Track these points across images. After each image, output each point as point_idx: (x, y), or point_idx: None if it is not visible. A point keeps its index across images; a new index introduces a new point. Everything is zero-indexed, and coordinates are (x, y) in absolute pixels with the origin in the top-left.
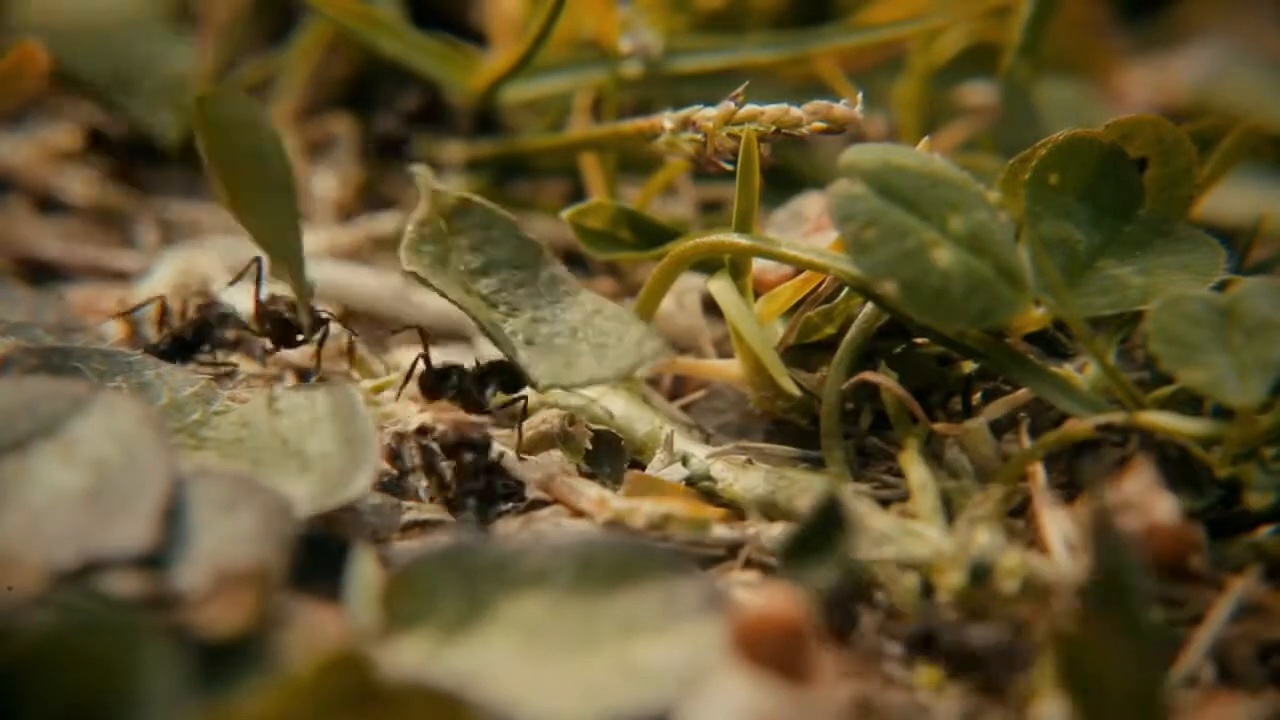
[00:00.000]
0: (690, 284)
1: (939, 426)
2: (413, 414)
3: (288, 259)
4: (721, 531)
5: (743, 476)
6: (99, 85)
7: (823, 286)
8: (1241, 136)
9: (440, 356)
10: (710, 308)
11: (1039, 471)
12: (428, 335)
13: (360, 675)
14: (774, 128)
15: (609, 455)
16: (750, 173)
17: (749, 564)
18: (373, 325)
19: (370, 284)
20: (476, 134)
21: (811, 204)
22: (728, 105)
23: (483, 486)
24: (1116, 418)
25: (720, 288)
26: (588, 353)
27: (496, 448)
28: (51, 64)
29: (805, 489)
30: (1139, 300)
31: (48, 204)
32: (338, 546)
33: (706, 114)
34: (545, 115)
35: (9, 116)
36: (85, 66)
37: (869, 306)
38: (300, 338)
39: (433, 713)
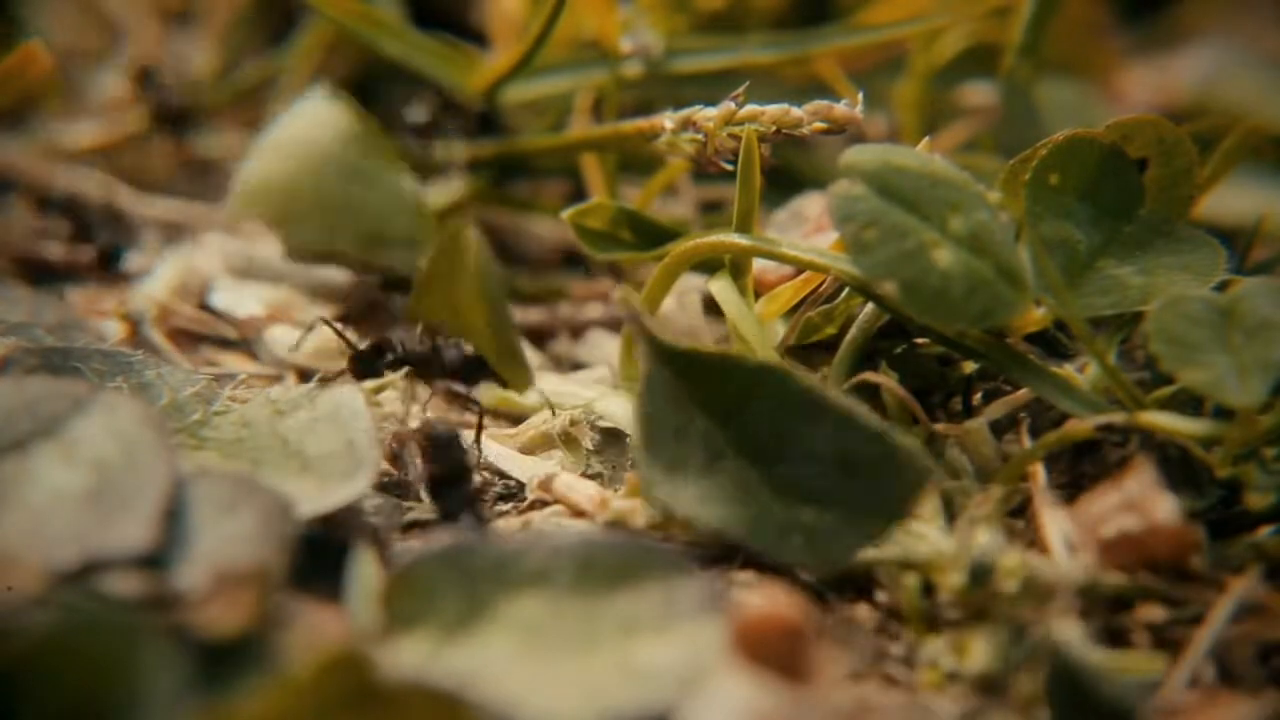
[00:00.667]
0: (691, 284)
1: (939, 427)
2: (413, 414)
3: (512, 356)
4: None
5: None
6: (340, 252)
7: (823, 287)
8: (1241, 137)
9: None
10: (711, 308)
11: (1039, 472)
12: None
13: (360, 675)
14: (774, 128)
15: (610, 455)
16: (751, 173)
17: (749, 564)
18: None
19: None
20: (477, 134)
21: (812, 204)
22: (728, 105)
23: (457, 481)
24: (1117, 418)
25: (721, 288)
26: None
27: (491, 446)
28: (286, 240)
29: None
30: (1139, 300)
31: (48, 204)
32: (338, 547)
33: (707, 114)
34: (546, 115)
35: (9, 116)
36: (323, 237)
37: (869, 307)
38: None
39: (433, 713)
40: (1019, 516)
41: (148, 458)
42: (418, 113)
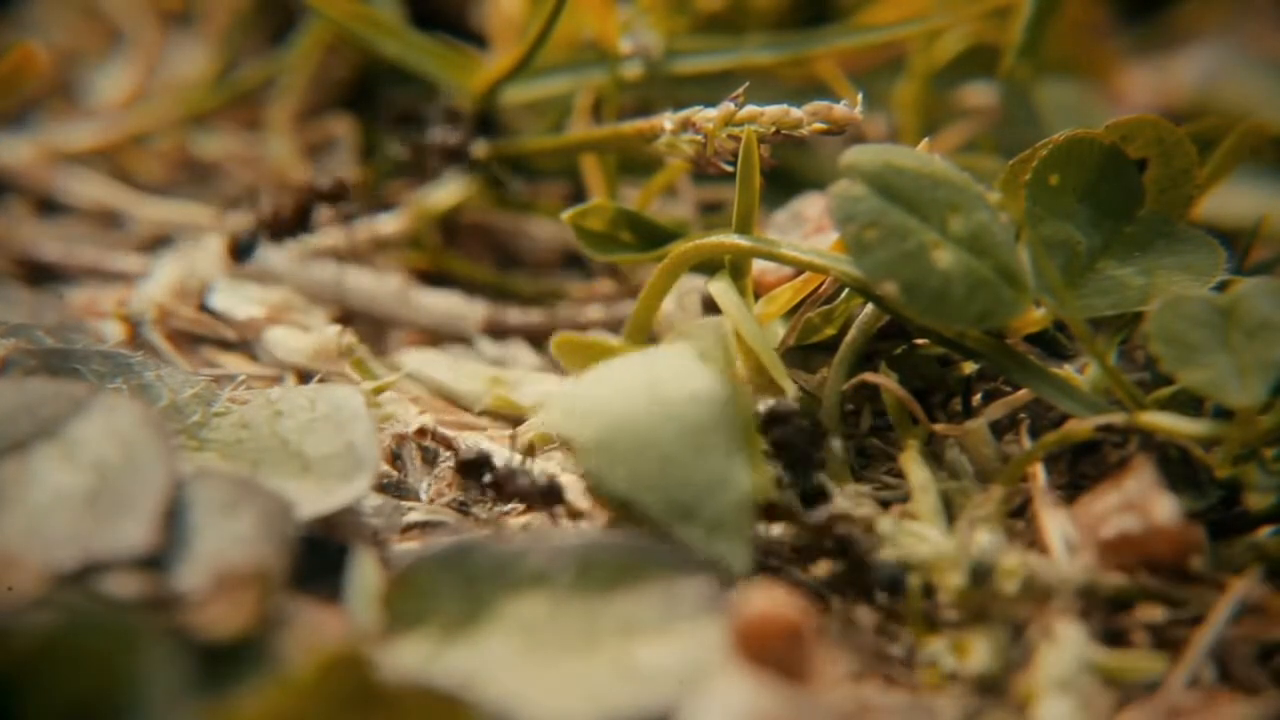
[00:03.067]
0: (691, 285)
1: (939, 427)
2: (413, 415)
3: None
4: None
5: None
6: (641, 511)
7: (823, 287)
8: (1241, 137)
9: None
10: (711, 309)
11: (1039, 472)
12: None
13: (361, 676)
14: (774, 129)
15: None
16: (750, 174)
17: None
18: (373, 326)
19: (370, 285)
20: (476, 135)
21: (812, 205)
22: (728, 106)
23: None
24: (1117, 418)
25: (721, 289)
26: None
27: (491, 446)
28: (590, 475)
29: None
30: (1139, 301)
31: (48, 205)
32: (338, 548)
33: (707, 115)
34: (545, 116)
35: (9, 116)
36: (631, 490)
37: (869, 307)
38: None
39: (433, 713)
40: (1019, 517)
41: (148, 459)
42: (440, 133)
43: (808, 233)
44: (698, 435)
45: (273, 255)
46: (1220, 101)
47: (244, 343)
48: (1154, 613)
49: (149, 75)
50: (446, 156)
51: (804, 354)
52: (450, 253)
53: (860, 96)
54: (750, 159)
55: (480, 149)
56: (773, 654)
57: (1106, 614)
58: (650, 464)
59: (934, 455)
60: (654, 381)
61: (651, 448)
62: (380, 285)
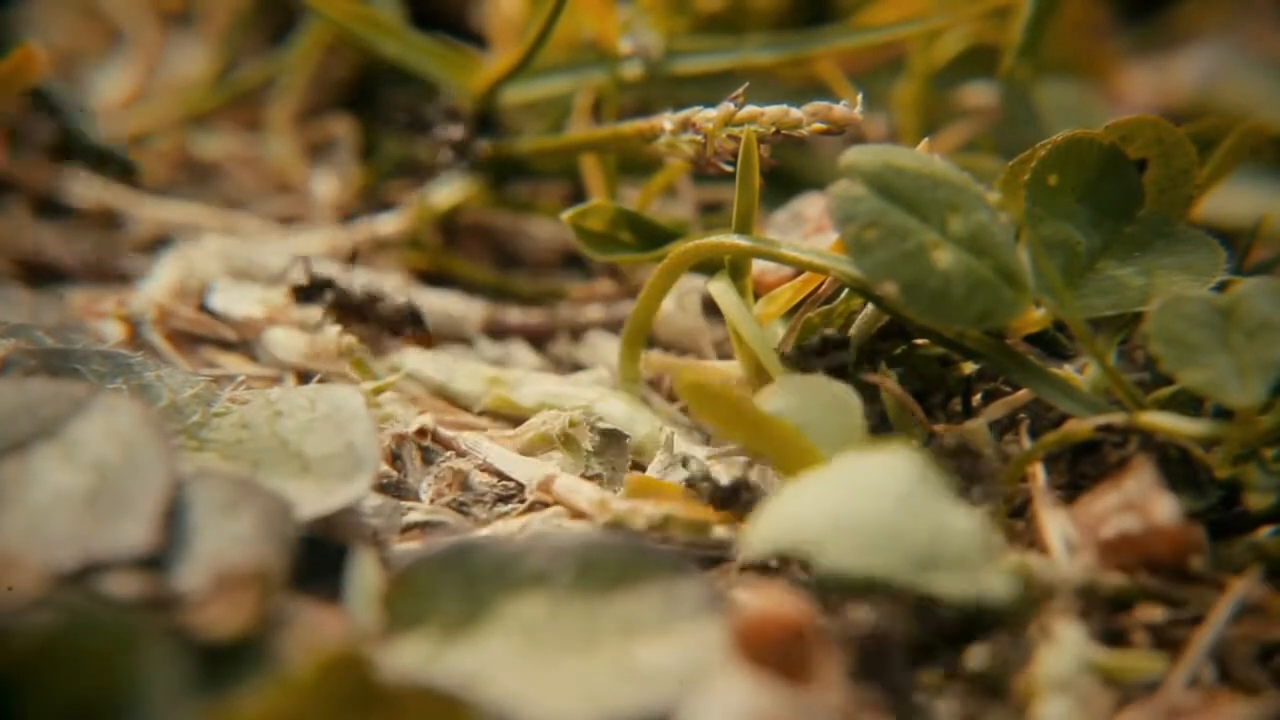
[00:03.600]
0: (691, 285)
1: (939, 427)
2: (413, 415)
3: None
4: (721, 532)
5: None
6: (882, 580)
7: (823, 288)
8: (1241, 137)
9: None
10: (710, 309)
11: (1039, 472)
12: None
13: (361, 676)
14: (774, 129)
15: (610, 456)
16: (750, 174)
17: (749, 564)
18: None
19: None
20: (476, 135)
21: (812, 205)
22: (728, 106)
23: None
24: (1117, 418)
25: (720, 289)
26: None
27: (491, 447)
28: (820, 565)
29: None
30: (1139, 301)
31: (48, 205)
32: (338, 548)
33: (706, 115)
34: (545, 117)
35: (9, 117)
36: (864, 563)
37: (869, 308)
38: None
39: (433, 713)
40: (1019, 517)
41: (147, 459)
42: (444, 130)
43: (808, 233)
44: (909, 501)
45: (273, 255)
46: (1220, 101)
47: (244, 343)
48: (1154, 613)
49: (149, 75)
50: (453, 150)
51: (804, 354)
52: (450, 253)
53: (860, 96)
54: (750, 159)
55: (482, 148)
56: (773, 654)
57: (1106, 614)
58: (879, 539)
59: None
60: (850, 475)
61: (874, 525)
62: (380, 285)
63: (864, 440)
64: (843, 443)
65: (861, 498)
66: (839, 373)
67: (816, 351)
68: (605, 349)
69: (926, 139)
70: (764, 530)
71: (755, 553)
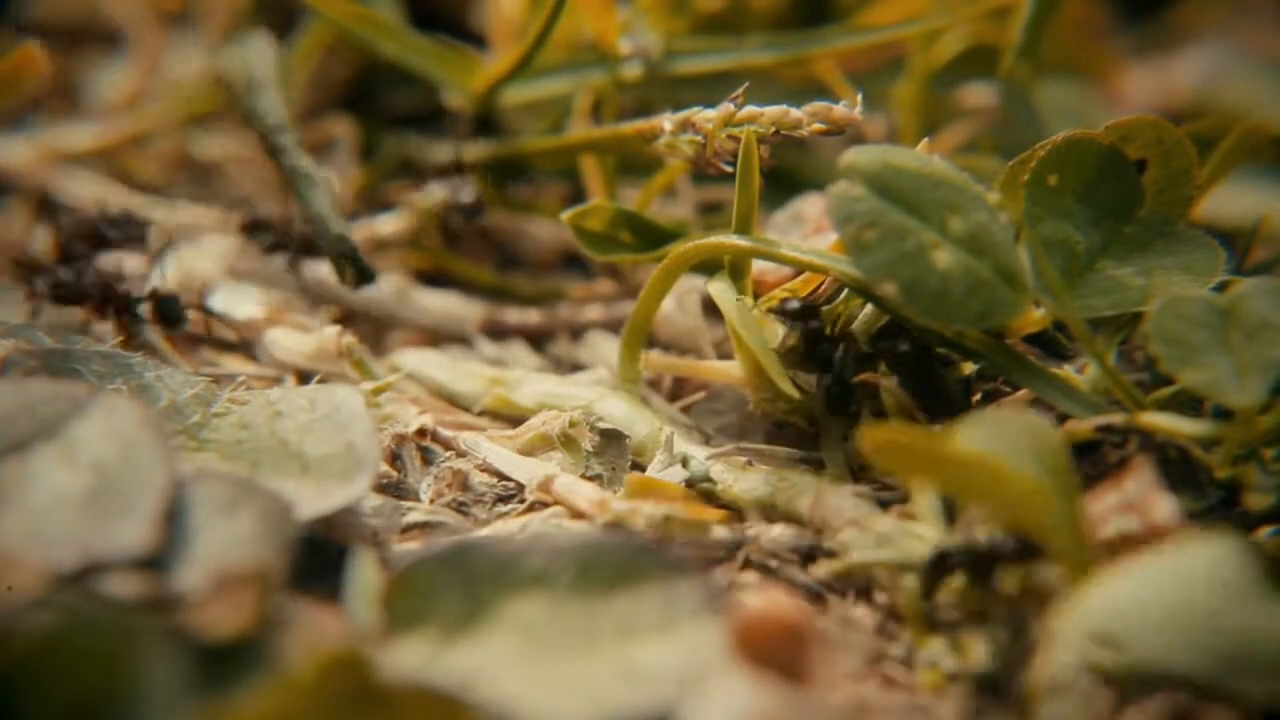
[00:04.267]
0: (691, 285)
1: (939, 428)
2: (413, 415)
3: None
4: (721, 533)
5: (742, 478)
6: (1184, 675)
7: (823, 288)
8: (1241, 137)
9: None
10: (710, 309)
11: None
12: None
13: (360, 676)
14: (774, 129)
15: (609, 456)
16: (750, 174)
17: (749, 564)
18: (372, 326)
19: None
20: (476, 136)
21: (811, 205)
22: (727, 107)
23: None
24: (1116, 418)
25: (720, 289)
26: None
27: (490, 447)
28: (1124, 656)
29: (804, 491)
30: (1139, 301)
31: (48, 205)
32: (338, 548)
33: (706, 115)
34: (545, 117)
35: (9, 116)
36: (1168, 655)
37: (869, 308)
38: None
39: (433, 714)
40: None
41: (147, 459)
42: (463, 192)
43: (807, 233)
44: (1227, 597)
45: (272, 256)
46: (1220, 101)
47: (244, 343)
48: None
49: (149, 75)
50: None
51: (803, 354)
52: (450, 253)
53: (860, 97)
54: (750, 159)
55: (475, 150)
56: (773, 654)
57: None
58: (1194, 635)
59: None
60: (1171, 564)
61: (1189, 621)
62: (380, 285)
63: (1066, 467)
64: (1049, 473)
65: (1181, 590)
66: (838, 373)
67: (816, 352)
68: (605, 349)
69: (926, 139)
70: (1084, 620)
71: (1075, 647)
